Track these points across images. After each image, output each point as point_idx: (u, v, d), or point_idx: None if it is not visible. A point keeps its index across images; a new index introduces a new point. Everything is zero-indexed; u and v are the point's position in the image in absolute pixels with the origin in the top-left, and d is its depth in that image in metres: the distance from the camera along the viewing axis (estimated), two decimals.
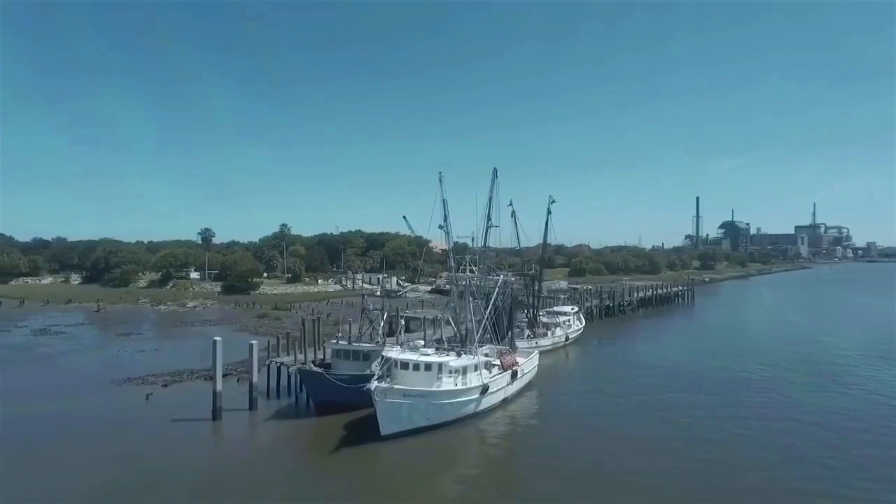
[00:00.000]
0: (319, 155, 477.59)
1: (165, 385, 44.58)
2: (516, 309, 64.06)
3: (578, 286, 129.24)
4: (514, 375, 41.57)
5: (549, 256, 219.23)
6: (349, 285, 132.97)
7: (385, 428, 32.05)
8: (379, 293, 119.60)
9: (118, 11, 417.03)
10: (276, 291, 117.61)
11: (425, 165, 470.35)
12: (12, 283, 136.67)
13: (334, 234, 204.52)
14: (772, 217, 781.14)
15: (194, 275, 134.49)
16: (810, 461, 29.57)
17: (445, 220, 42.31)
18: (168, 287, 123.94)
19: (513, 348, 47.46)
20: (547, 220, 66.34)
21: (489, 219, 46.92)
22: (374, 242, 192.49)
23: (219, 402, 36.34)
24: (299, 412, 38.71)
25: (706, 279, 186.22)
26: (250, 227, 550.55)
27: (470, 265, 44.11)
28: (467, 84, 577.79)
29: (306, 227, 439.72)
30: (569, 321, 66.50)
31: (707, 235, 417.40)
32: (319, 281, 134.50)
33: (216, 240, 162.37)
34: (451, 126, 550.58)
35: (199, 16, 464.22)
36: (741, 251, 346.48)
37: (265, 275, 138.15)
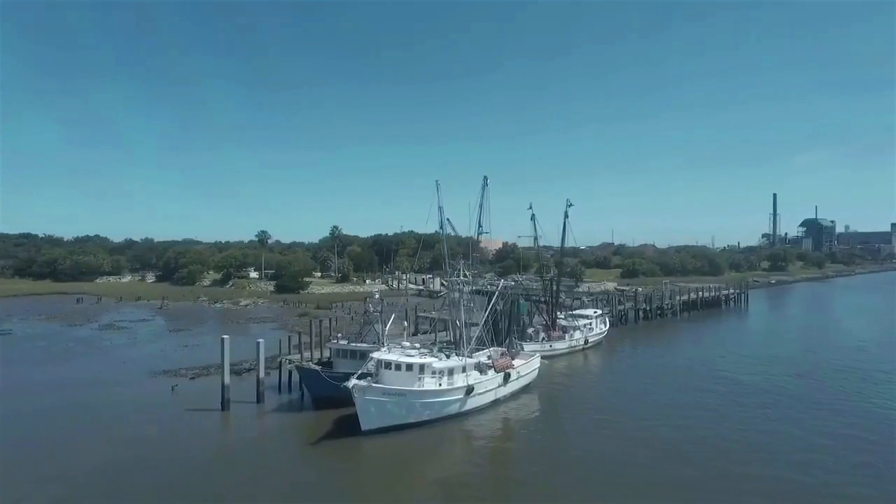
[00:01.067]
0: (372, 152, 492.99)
1: (193, 378, 48.96)
2: (533, 311, 65.25)
3: (626, 288, 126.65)
4: (506, 378, 42.61)
5: (605, 256, 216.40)
6: (395, 285, 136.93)
7: (364, 423, 34.29)
8: (421, 293, 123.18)
9: (118, 13, 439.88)
10: (323, 291, 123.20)
11: (472, 167, 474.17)
12: (97, 280, 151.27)
13: (388, 234, 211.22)
14: (864, 215, 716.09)
15: (254, 274, 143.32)
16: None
17: (441, 226, 44.27)
18: (228, 286, 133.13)
19: (512, 351, 48.31)
20: (564, 222, 66.38)
21: (480, 225, 48.13)
22: (425, 243, 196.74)
23: (227, 394, 39.94)
24: (300, 406, 41.64)
25: (772, 281, 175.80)
26: (310, 228, 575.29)
27: (463, 269, 45.42)
28: (509, 84, 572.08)
29: (363, 227, 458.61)
30: (590, 324, 66.11)
31: (786, 234, 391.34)
32: (367, 281, 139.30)
33: (281, 240, 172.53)
34: (496, 127, 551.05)
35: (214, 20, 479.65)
36: (823, 251, 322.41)
37: (318, 275, 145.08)
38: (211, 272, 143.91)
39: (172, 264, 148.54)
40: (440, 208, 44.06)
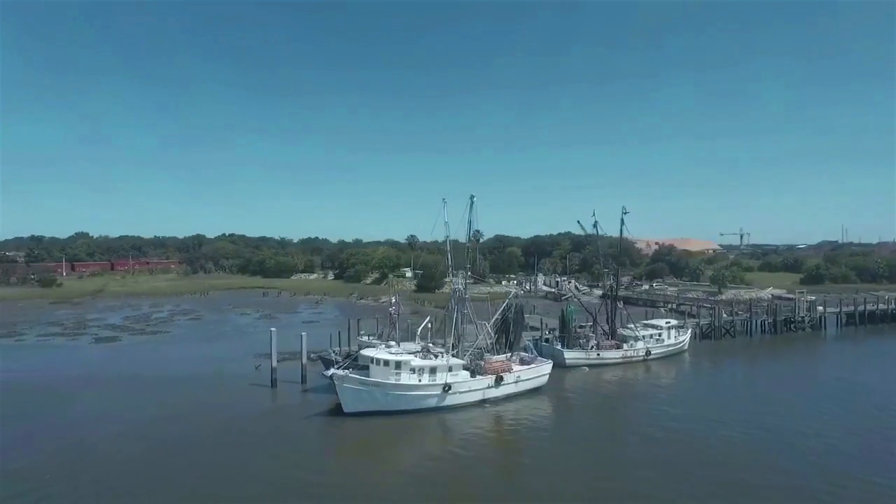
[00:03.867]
0: None
1: (279, 361, 61.14)
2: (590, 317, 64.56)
3: (794, 296, 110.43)
4: (498, 380, 45.64)
5: (799, 259, 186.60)
6: (528, 287, 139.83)
7: (346, 406, 41.34)
8: (548, 295, 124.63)
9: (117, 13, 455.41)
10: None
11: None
12: (292, 277, 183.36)
13: (545, 235, 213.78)
14: None
15: (409, 274, 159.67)
16: None
17: (446, 238, 49.09)
18: (383, 284, 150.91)
19: (523, 357, 50.48)
20: (621, 229, 64.47)
21: (470, 240, 50.99)
22: (578, 244, 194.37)
23: (274, 375, 50.62)
24: (328, 388, 50.26)
25: None
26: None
27: (463, 277, 49.31)
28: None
29: (525, 228, 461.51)
30: (658, 336, 62.94)
31: None
32: (503, 282, 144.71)
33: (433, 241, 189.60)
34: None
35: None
36: None
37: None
38: (374, 272, 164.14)
39: (345, 264, 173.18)
40: (446, 223, 48.73)
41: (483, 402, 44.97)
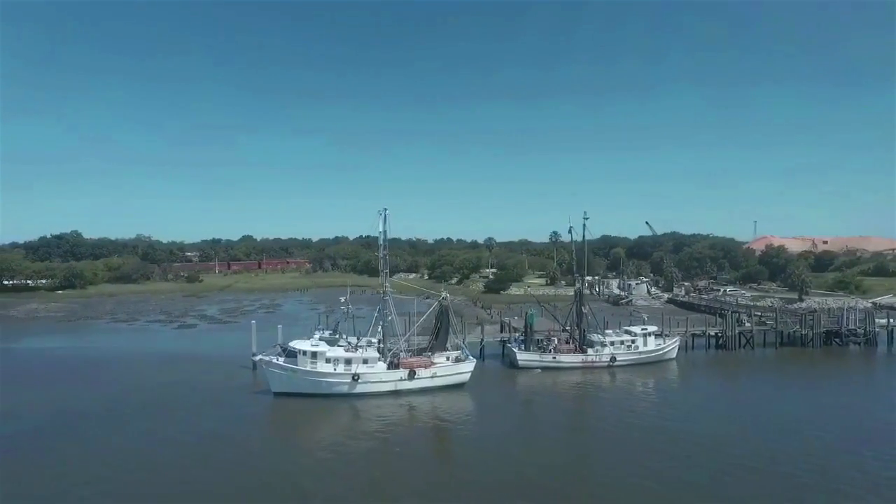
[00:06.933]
0: None
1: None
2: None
3: None
4: (411, 374, 50.53)
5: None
6: (598, 290, 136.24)
7: (272, 387, 49.64)
8: (609, 299, 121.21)
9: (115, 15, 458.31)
10: (518, 292, 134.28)
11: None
12: (392, 277, 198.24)
13: (645, 236, 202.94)
14: None
15: (491, 275, 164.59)
16: None
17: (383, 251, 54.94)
18: (460, 284, 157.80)
19: (451, 355, 54.16)
20: (584, 234, 64.04)
21: (381, 247, 55.27)
22: (679, 244, 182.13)
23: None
24: None
25: None
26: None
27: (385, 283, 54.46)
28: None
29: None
30: (631, 342, 61.34)
31: None
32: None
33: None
34: None
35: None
36: None
37: (535, 275, 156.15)
38: (457, 273, 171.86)
39: (435, 265, 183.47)
40: (382, 232, 54.54)
41: (395, 392, 50.12)
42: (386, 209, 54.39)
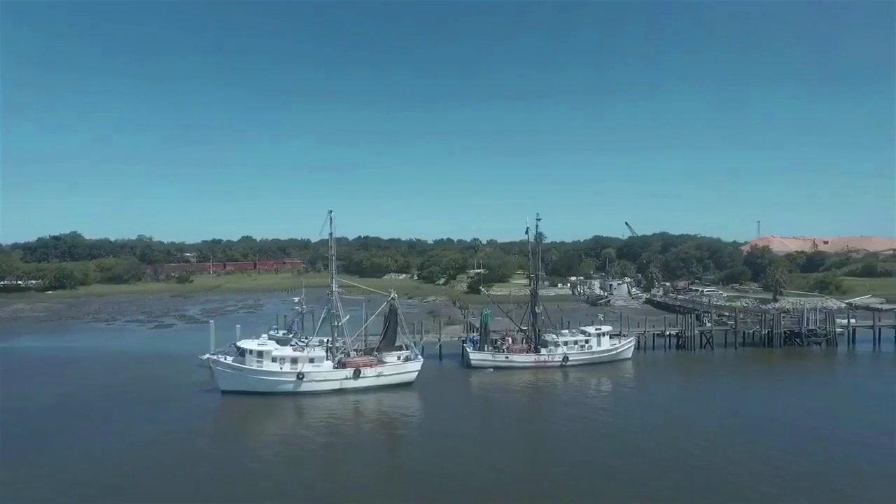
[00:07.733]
0: None
1: None
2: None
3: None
4: (356, 373, 51.41)
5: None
6: (580, 290, 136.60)
7: (220, 385, 50.60)
8: (589, 298, 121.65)
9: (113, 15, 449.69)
10: (499, 292, 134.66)
11: None
12: (384, 277, 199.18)
13: (635, 237, 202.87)
14: None
15: (475, 275, 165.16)
16: None
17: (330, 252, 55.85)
18: (447, 284, 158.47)
19: (400, 354, 54.96)
20: (537, 235, 65.01)
21: (330, 249, 56.14)
22: (667, 245, 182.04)
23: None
24: None
25: None
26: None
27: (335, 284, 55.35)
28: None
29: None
30: (585, 342, 61.90)
31: None
32: (559, 284, 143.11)
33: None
34: None
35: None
36: None
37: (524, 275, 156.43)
38: (444, 273, 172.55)
39: (423, 266, 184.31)
40: (330, 234, 55.39)
41: (341, 391, 50.98)
42: (331, 211, 55.21)
